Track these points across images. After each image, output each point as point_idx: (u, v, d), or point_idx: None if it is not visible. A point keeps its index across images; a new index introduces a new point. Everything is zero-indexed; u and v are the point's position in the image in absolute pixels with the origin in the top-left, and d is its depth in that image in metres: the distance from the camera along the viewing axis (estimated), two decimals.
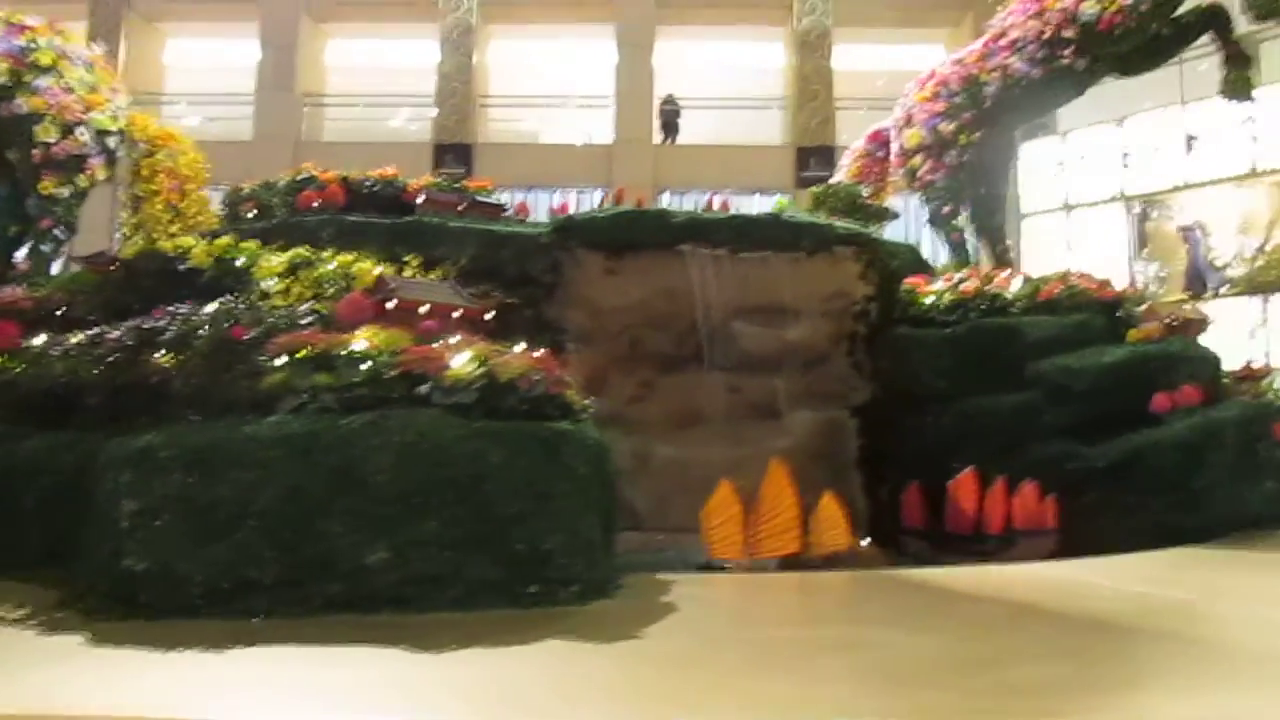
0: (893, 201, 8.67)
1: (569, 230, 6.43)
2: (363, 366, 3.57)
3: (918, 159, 7.22)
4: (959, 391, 6.22)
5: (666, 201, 16.78)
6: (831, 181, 8.40)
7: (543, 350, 4.02)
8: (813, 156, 17.91)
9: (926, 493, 5.90)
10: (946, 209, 7.12)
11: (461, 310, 4.50)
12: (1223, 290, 15.50)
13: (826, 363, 6.73)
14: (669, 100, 18.17)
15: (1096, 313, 6.45)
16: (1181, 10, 6.78)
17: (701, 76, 19.37)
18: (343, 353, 3.63)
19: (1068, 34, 6.47)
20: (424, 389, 3.58)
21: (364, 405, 3.49)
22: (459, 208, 6.73)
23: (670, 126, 18.17)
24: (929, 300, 6.58)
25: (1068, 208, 17.04)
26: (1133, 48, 6.62)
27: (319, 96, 18.85)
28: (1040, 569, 4.70)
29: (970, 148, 6.98)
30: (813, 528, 5.19)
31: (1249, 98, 6.27)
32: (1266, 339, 14.77)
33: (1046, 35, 6.56)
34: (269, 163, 16.84)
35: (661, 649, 2.80)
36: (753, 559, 5.03)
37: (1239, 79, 6.32)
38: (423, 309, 4.32)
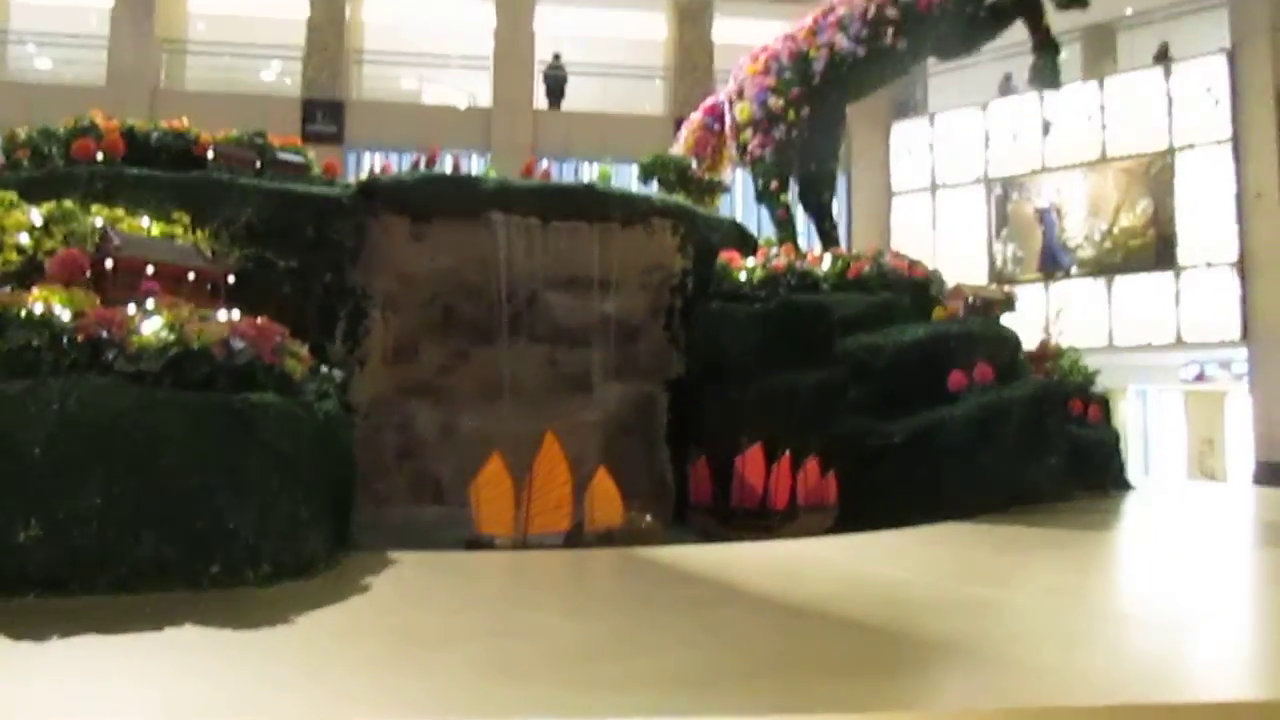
0: (728, 174, 8.63)
1: (373, 193, 6.18)
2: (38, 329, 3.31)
3: (747, 133, 7.18)
4: (767, 366, 6.24)
5: (546, 167, 16.59)
6: (661, 154, 8.32)
7: (261, 318, 3.80)
8: None
9: (718, 468, 5.92)
10: (774, 184, 7.12)
11: (194, 273, 4.25)
12: (1073, 271, 16.15)
13: (642, 336, 6.68)
14: (556, 61, 17.84)
15: (905, 291, 6.56)
16: None
17: (583, 44, 19.04)
18: (20, 313, 3.37)
19: (890, 14, 6.50)
20: (110, 355, 3.36)
21: (36, 371, 3.25)
22: (255, 164, 6.40)
23: (556, 90, 17.85)
24: (742, 276, 6.58)
25: (934, 188, 17.44)
26: (951, 31, 6.69)
27: (181, 43, 17.85)
28: (797, 546, 4.75)
29: (798, 124, 6.96)
30: (587, 504, 5.13)
31: (1055, 85, 6.44)
32: (1109, 317, 15.48)
33: (870, 14, 6.59)
34: (123, 111, 15.90)
35: (298, 637, 2.67)
36: (524, 535, 4.94)
37: (1047, 65, 6.47)
38: (148, 270, 4.06)
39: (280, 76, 18.53)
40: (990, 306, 6.77)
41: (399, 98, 18.10)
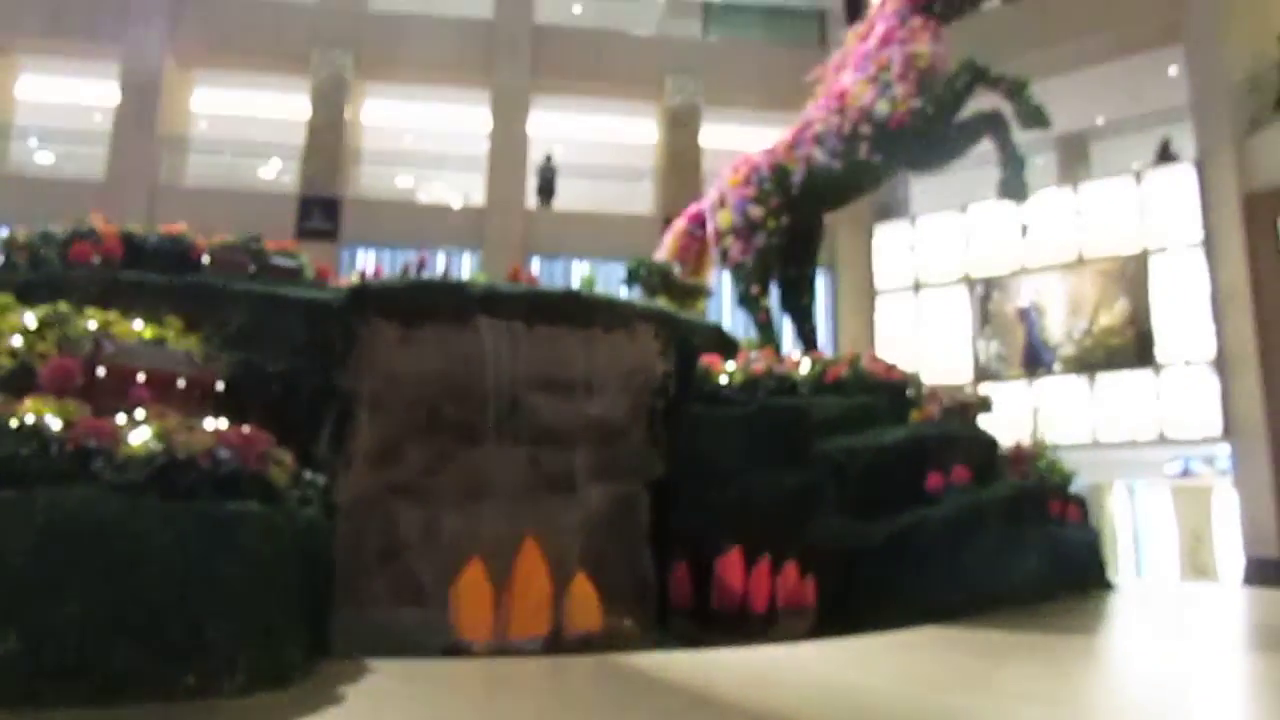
0: (711, 279, 8.87)
1: (364, 297, 6.32)
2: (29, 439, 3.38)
3: (729, 240, 7.45)
4: (747, 469, 6.30)
5: (537, 266, 16.94)
6: (646, 258, 8.57)
7: (248, 427, 3.89)
8: None
9: (699, 570, 5.92)
10: (754, 289, 7.34)
11: (185, 379, 4.35)
12: (1055, 368, 16.40)
13: (625, 437, 6.74)
14: (547, 162, 18.43)
15: (882, 394, 6.68)
16: (966, 114, 7.22)
17: (576, 145, 19.73)
18: (11, 423, 3.45)
19: (864, 131, 6.82)
20: (98, 465, 3.43)
21: (24, 480, 3.31)
22: (249, 268, 6.56)
23: (548, 187, 18.38)
24: (723, 379, 6.70)
25: (917, 287, 17.82)
26: (922, 147, 7.01)
27: (182, 140, 18.39)
28: (774, 652, 4.74)
29: (777, 232, 7.23)
30: (566, 608, 5.12)
31: (1023, 198, 6.73)
32: (1092, 414, 15.65)
33: (845, 131, 6.90)
34: (123, 205, 16.36)
35: None
36: (502, 640, 4.92)
37: (1014, 179, 6.78)
38: (139, 377, 4.16)
39: (279, 174, 19.04)
40: (966, 408, 6.89)
41: (394, 196, 18.58)
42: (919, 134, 6.74)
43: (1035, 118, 6.51)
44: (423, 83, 18.54)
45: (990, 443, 6.53)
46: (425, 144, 19.87)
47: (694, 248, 8.05)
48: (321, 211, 17.46)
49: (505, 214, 17.80)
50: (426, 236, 17.79)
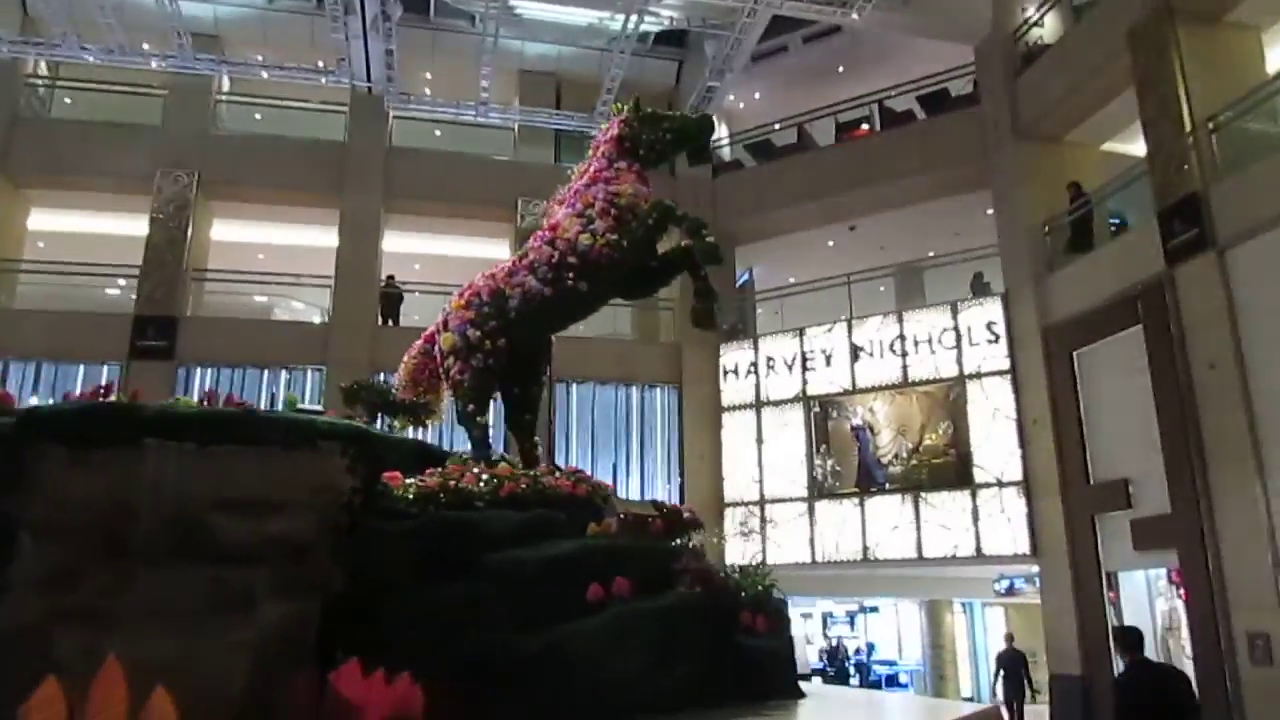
0: (445, 398, 8.88)
1: (32, 422, 6.14)
2: None
3: (450, 360, 7.61)
4: (416, 581, 6.21)
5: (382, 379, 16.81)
6: (362, 380, 8.69)
7: None
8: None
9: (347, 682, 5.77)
10: (470, 408, 7.48)
11: None
12: (887, 486, 16.98)
13: (311, 553, 6.62)
14: (390, 281, 18.51)
15: (562, 508, 6.67)
16: (665, 249, 7.62)
17: (429, 266, 19.95)
18: None
19: (571, 260, 7.15)
20: None
21: None
22: None
23: (391, 306, 18.43)
24: (399, 494, 6.69)
25: (759, 405, 18.37)
26: (622, 276, 7.38)
27: (13, 262, 17.86)
28: None
29: (494, 353, 7.42)
30: None
31: (712, 328, 7.14)
32: (917, 530, 16.19)
33: (555, 260, 7.22)
34: None
35: None
36: None
37: (703, 311, 7.19)
38: None
39: (114, 293, 18.60)
40: (644, 523, 6.86)
41: (234, 314, 18.28)
42: (616, 265, 7.16)
43: (709, 255, 7.02)
44: (269, 203, 18.58)
45: (667, 555, 6.49)
46: (274, 262, 19.74)
47: (429, 367, 8.17)
48: (156, 330, 17.07)
49: (351, 332, 17.73)
50: (268, 355, 17.57)
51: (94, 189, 17.83)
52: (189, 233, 17.75)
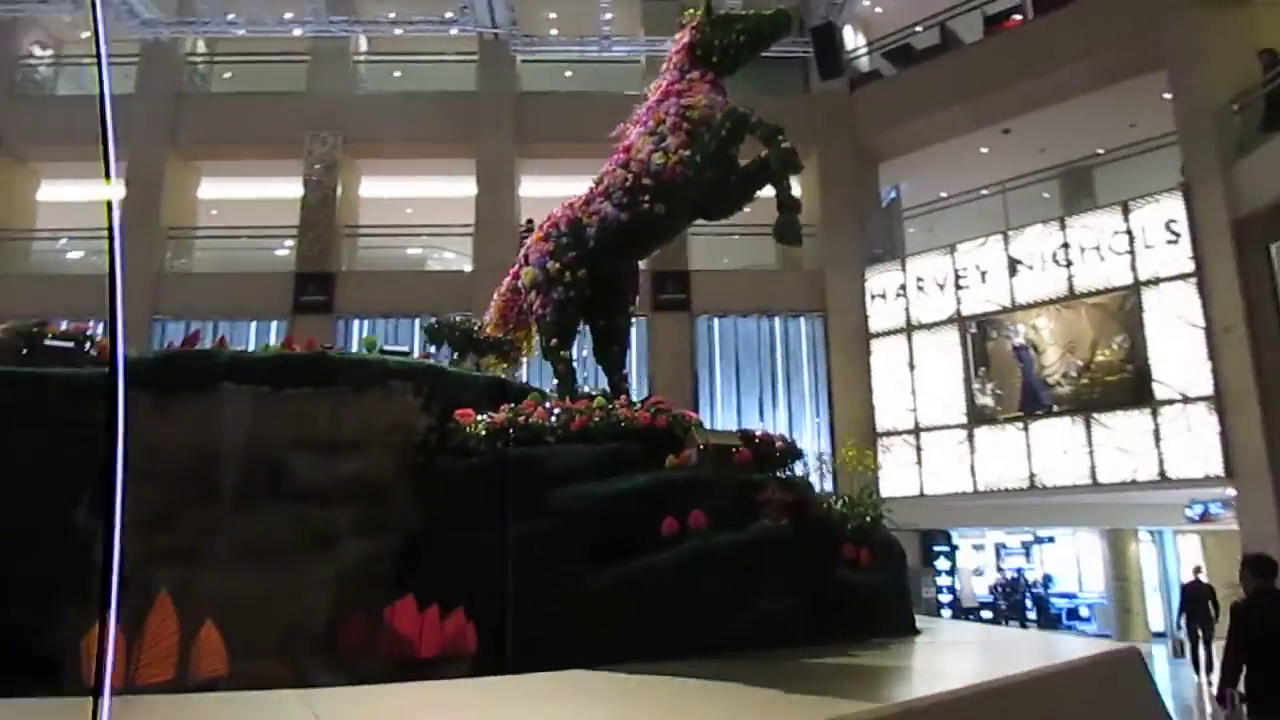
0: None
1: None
2: None
3: (532, 295, 7.42)
4: (485, 519, 6.07)
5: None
6: (444, 319, 8.61)
7: None
8: (669, 280, 18.40)
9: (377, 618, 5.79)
10: (553, 342, 7.27)
11: None
12: (1055, 408, 15.71)
13: (391, 493, 6.70)
14: (528, 225, 18.66)
15: (637, 440, 6.29)
16: (746, 163, 6.98)
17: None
18: None
19: (645, 183, 6.73)
20: None
21: None
22: (21, 351, 6.58)
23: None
24: (470, 431, 6.57)
25: (909, 329, 17.40)
26: (699, 195, 6.85)
27: (187, 229, 19.32)
28: (431, 693, 4.46)
29: (575, 284, 7.17)
30: (193, 655, 5.12)
31: (798, 242, 6.41)
32: (1090, 455, 14.92)
33: (630, 183, 6.83)
34: (129, 293, 17.27)
35: None
36: (132, 684, 4.94)
37: (788, 224, 6.42)
38: None
39: (277, 254, 19.78)
40: (726, 453, 6.38)
41: (384, 267, 19.06)
42: (691, 183, 6.63)
43: (786, 163, 6.31)
44: (409, 157, 19.13)
45: (752, 486, 5.85)
46: (422, 215, 20.42)
47: (516, 304, 8.01)
48: (315, 286, 18.06)
49: (493, 277, 17.96)
50: (419, 304, 18.22)
51: (251, 156, 18.93)
52: (338, 191, 18.61)
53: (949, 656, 5.53)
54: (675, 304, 18.39)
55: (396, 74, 20.79)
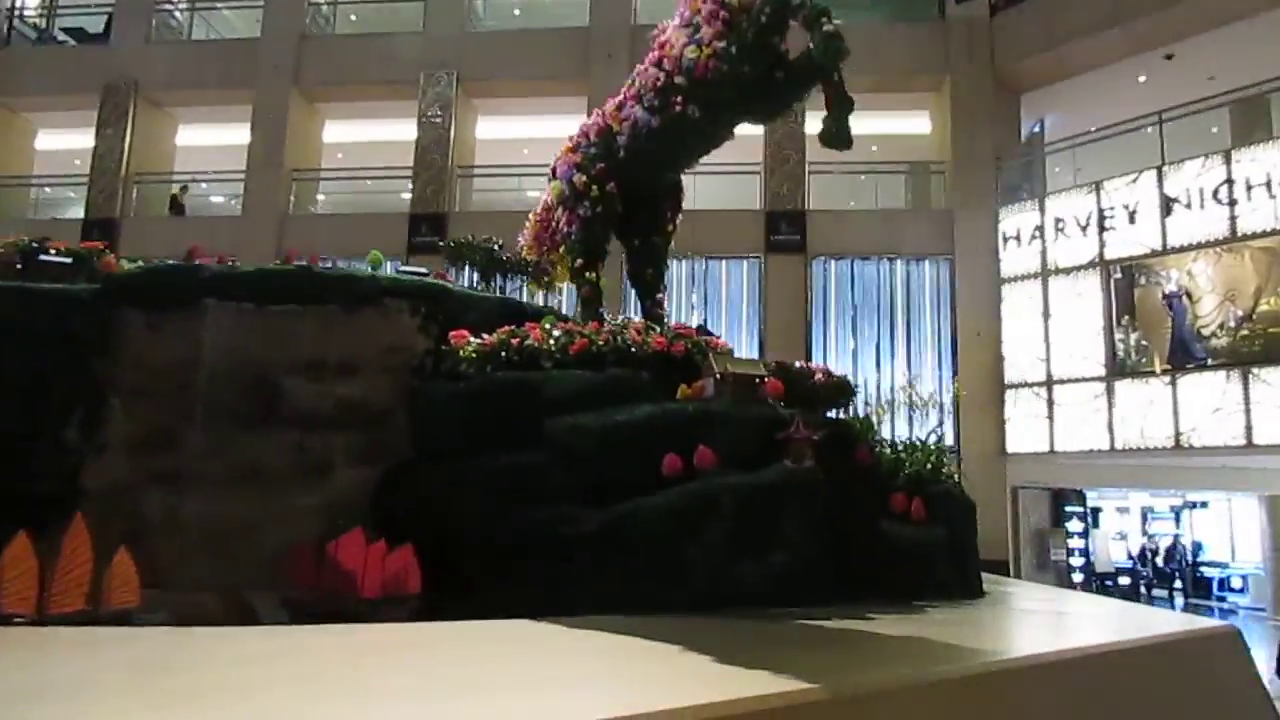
0: None
1: (114, 288, 6.32)
2: None
3: (558, 211, 6.84)
4: (471, 448, 5.47)
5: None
6: (461, 238, 8.16)
7: None
8: (783, 220, 17.68)
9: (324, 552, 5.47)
10: (579, 262, 6.66)
11: None
12: (1209, 362, 14.26)
13: (391, 418, 6.34)
14: None
15: (652, 368, 5.68)
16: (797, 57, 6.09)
17: None
18: None
19: (678, 81, 5.94)
20: None
21: None
22: (16, 266, 6.56)
23: None
24: (463, 353, 6.09)
25: (1045, 273, 16.11)
26: (737, 93, 6.00)
27: (309, 172, 19.82)
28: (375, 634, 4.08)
29: (604, 199, 6.47)
30: (105, 585, 4.94)
31: (847, 145, 5.46)
32: (1246, 414, 13.50)
33: (661, 83, 6.09)
34: (256, 236, 17.94)
35: None
36: (45, 613, 4.84)
37: (838, 125, 5.43)
38: None
39: (394, 194, 20.07)
40: (749, 384, 5.66)
41: (497, 207, 19.02)
42: (728, 80, 5.70)
43: (828, 48, 5.29)
44: (523, 95, 18.92)
45: (778, 423, 5.10)
46: (538, 156, 20.22)
47: (549, 224, 7.38)
48: (428, 226, 18.24)
49: None
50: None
51: (370, 97, 19.17)
52: (453, 132, 18.62)
53: (994, 626, 4.80)
54: (790, 245, 17.64)
55: (515, 11, 20.55)
